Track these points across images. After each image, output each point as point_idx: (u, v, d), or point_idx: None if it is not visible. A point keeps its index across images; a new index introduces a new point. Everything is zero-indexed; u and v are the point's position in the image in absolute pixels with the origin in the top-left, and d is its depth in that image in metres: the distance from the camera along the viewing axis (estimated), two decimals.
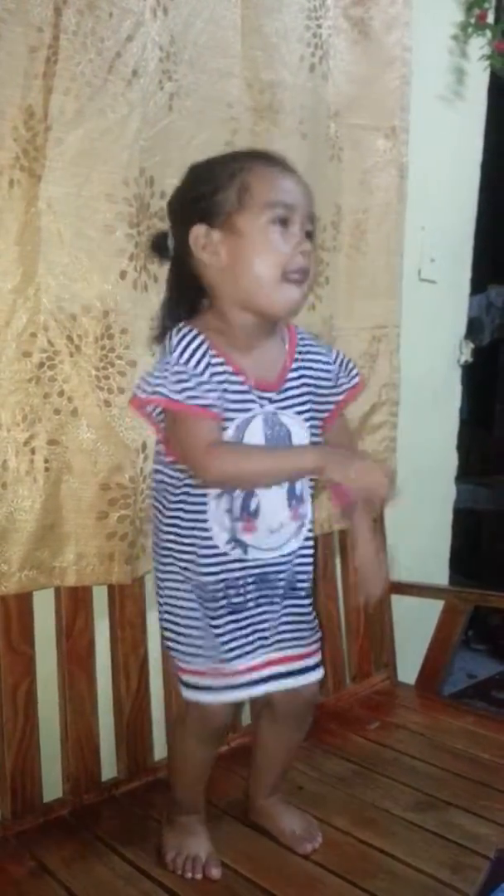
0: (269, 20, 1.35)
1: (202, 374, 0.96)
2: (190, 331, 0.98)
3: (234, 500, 1.02)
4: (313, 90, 1.44)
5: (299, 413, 1.06)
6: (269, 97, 1.37)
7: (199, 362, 0.96)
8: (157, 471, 1.08)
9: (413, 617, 1.79)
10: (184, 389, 0.95)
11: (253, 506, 1.02)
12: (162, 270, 1.25)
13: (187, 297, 1.05)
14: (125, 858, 1.12)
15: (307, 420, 1.07)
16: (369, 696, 1.67)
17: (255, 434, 1.01)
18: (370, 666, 1.71)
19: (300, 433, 1.05)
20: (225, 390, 0.98)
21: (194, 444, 0.96)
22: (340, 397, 1.11)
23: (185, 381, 0.95)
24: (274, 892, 1.06)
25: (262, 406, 1.02)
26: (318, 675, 1.13)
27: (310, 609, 1.13)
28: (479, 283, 2.31)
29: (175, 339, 0.98)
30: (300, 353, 1.08)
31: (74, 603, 1.24)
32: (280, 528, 1.05)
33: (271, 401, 1.03)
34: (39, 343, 1.13)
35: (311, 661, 1.12)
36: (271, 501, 1.03)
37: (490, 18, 1.86)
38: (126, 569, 1.24)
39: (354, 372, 1.13)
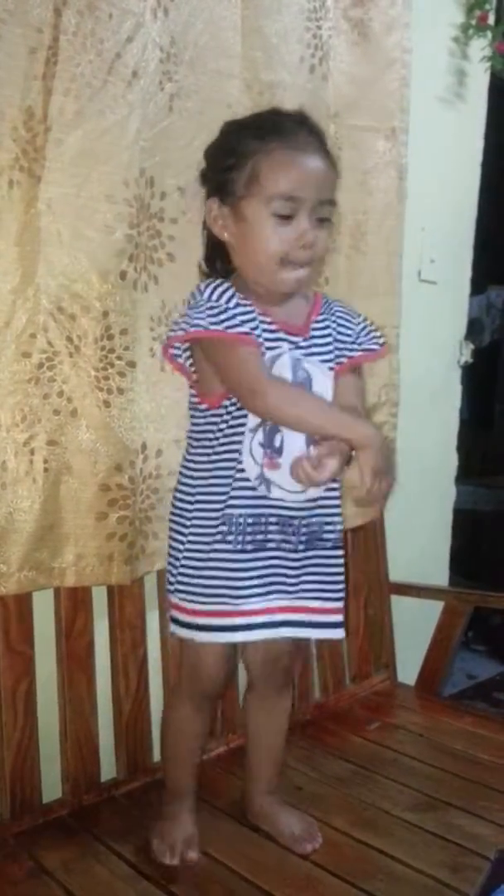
0: (269, 21, 1.35)
1: (235, 308, 1.00)
2: (216, 281, 1.03)
3: (266, 433, 1.03)
4: (313, 91, 1.44)
5: (324, 361, 1.08)
6: (269, 98, 1.37)
7: (229, 300, 1.00)
8: (192, 422, 1.10)
9: (413, 618, 1.79)
10: (223, 320, 0.98)
11: (277, 442, 1.03)
12: (162, 271, 1.26)
13: (216, 256, 1.09)
14: (124, 859, 1.12)
15: (331, 369, 1.08)
16: (369, 697, 1.67)
17: (283, 372, 1.03)
18: (370, 666, 1.71)
19: (323, 381, 1.07)
20: (255, 328, 1.01)
21: (250, 370, 0.98)
22: (356, 354, 1.11)
23: (222, 312, 0.98)
24: (273, 893, 1.05)
25: (289, 346, 1.04)
26: (337, 633, 1.12)
27: (338, 563, 1.12)
28: (479, 284, 2.31)
29: (202, 286, 1.02)
30: (325, 308, 1.11)
31: (74, 603, 1.24)
32: None
33: (298, 346, 1.05)
34: (39, 344, 1.13)
35: (333, 618, 1.11)
36: (294, 440, 1.03)
37: (491, 20, 1.86)
38: (125, 569, 1.24)
39: (378, 338, 1.15)
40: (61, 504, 1.18)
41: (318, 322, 1.09)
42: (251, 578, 1.05)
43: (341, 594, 1.12)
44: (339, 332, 1.11)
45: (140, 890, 1.06)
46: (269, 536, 1.06)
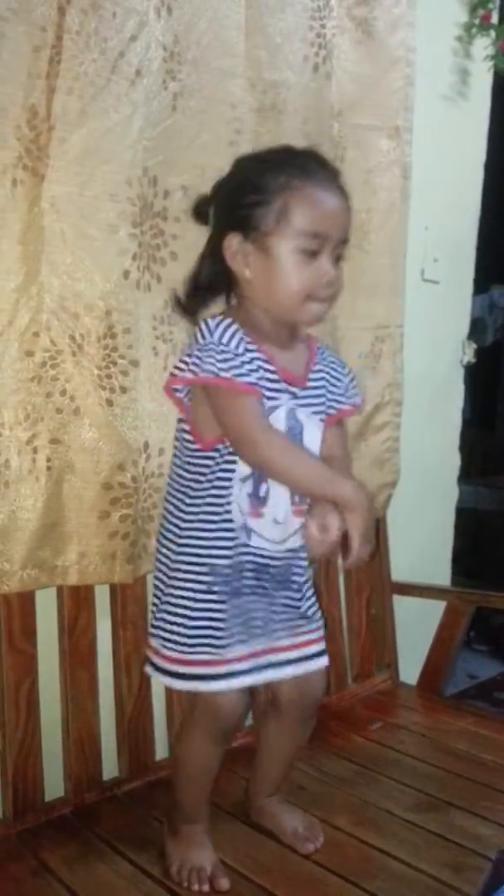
0: (273, 20, 1.35)
1: (243, 354, 0.99)
2: (224, 319, 1.01)
3: (255, 484, 1.03)
4: (317, 90, 1.44)
5: (315, 413, 1.08)
6: (273, 97, 1.37)
7: (238, 344, 0.99)
8: (180, 459, 1.08)
9: (415, 617, 1.79)
10: (231, 367, 0.97)
11: (262, 492, 1.04)
12: (165, 270, 1.26)
13: (213, 282, 1.07)
14: (126, 858, 1.12)
15: (322, 420, 1.09)
16: (371, 697, 1.67)
17: (277, 423, 1.03)
18: (372, 666, 1.71)
19: (313, 432, 1.07)
20: (260, 376, 1.01)
21: (247, 420, 0.99)
22: (346, 406, 1.13)
23: (231, 359, 0.98)
24: (275, 893, 1.05)
25: (287, 396, 1.04)
26: (319, 663, 1.12)
27: (304, 600, 1.13)
28: (481, 284, 2.31)
29: (212, 324, 1.00)
30: (320, 357, 1.12)
31: (76, 602, 1.24)
32: (285, 521, 1.06)
33: (295, 396, 1.05)
34: (42, 342, 1.13)
35: (310, 650, 1.11)
36: (278, 492, 1.04)
37: (494, 19, 1.85)
38: (128, 568, 1.24)
39: (359, 394, 1.16)
40: (64, 502, 1.18)
41: (314, 372, 1.09)
42: (233, 626, 1.05)
43: (316, 625, 1.13)
44: (331, 384, 1.11)
45: (142, 888, 1.06)
46: (244, 582, 1.06)
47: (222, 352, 0.97)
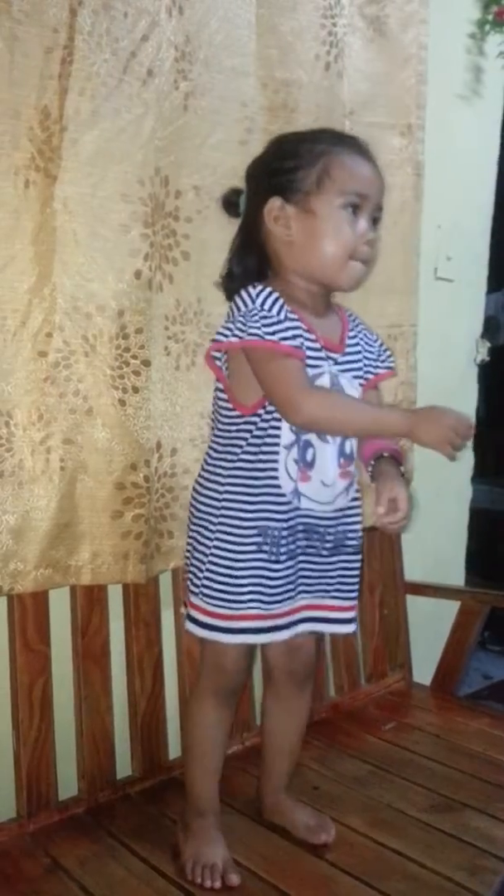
0: (284, 19, 1.35)
1: (285, 321, 1.01)
2: (265, 287, 1.03)
3: (300, 450, 1.05)
4: (329, 89, 1.43)
5: (356, 378, 1.11)
6: (284, 96, 1.37)
7: (280, 310, 1.01)
8: (217, 426, 1.10)
9: (429, 618, 1.78)
10: (276, 332, 0.99)
11: (309, 457, 1.05)
12: (177, 270, 1.26)
13: (250, 260, 1.09)
14: (140, 857, 1.12)
15: (360, 385, 1.11)
16: (384, 697, 1.66)
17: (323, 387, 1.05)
18: (385, 666, 1.71)
19: (354, 396, 1.09)
20: (301, 344, 1.02)
21: (290, 382, 1.00)
22: (381, 371, 1.16)
23: (275, 324, 1.00)
24: (288, 892, 1.05)
25: (329, 363, 1.07)
26: (350, 627, 1.16)
27: (357, 566, 1.15)
28: (495, 282, 2.29)
29: (254, 293, 1.02)
30: (353, 325, 1.15)
31: (90, 602, 1.24)
32: (333, 484, 1.08)
33: (336, 362, 1.08)
34: (55, 343, 1.14)
35: (347, 615, 1.15)
36: (325, 455, 1.06)
37: None
38: (141, 568, 1.24)
39: (391, 355, 1.19)
40: (77, 502, 1.19)
41: (350, 339, 1.12)
42: (283, 586, 1.07)
43: (356, 593, 1.16)
44: (366, 350, 1.15)
45: (155, 887, 1.07)
46: (298, 544, 1.08)
47: (265, 317, 0.99)
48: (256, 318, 0.99)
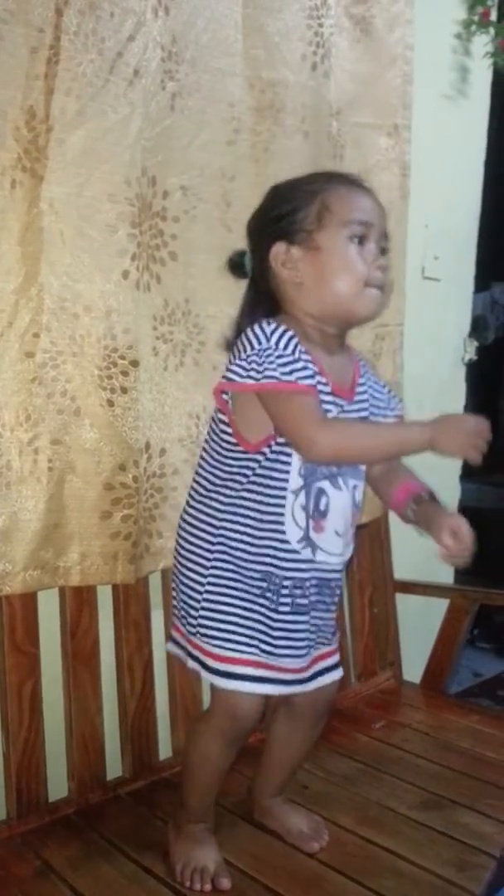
0: (271, 19, 1.35)
1: (300, 359, 0.98)
2: (279, 325, 0.99)
3: (309, 498, 1.02)
4: (315, 89, 1.44)
5: None
6: (271, 96, 1.37)
7: (294, 349, 0.98)
8: (214, 458, 1.06)
9: (418, 616, 1.79)
10: (292, 371, 0.96)
11: (323, 505, 1.03)
12: (165, 270, 1.26)
13: (259, 312, 1.05)
14: (130, 858, 1.12)
15: None
16: (374, 695, 1.67)
17: None
18: (375, 665, 1.71)
19: None
20: (315, 384, 1.00)
21: (306, 418, 0.97)
22: (391, 418, 1.13)
23: (291, 363, 0.96)
24: (279, 891, 1.05)
25: (336, 411, 1.03)
26: (341, 672, 1.15)
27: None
28: (482, 281, 2.30)
29: (268, 330, 0.98)
30: (363, 370, 1.12)
31: (79, 603, 1.24)
32: (345, 533, 1.06)
33: (343, 409, 1.04)
34: (42, 343, 1.13)
35: (337, 658, 1.14)
36: (339, 503, 1.04)
37: (493, 16, 1.85)
38: (130, 568, 1.24)
39: (399, 402, 1.16)
40: (65, 503, 1.18)
41: (360, 385, 1.09)
42: (289, 640, 1.04)
43: (337, 635, 1.16)
44: (374, 396, 1.12)
45: (146, 888, 1.06)
46: (311, 599, 1.05)
47: (280, 356, 0.96)
48: (272, 357, 0.95)
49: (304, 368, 0.97)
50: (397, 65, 1.60)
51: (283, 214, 1.02)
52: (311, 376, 0.98)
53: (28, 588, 1.16)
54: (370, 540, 1.71)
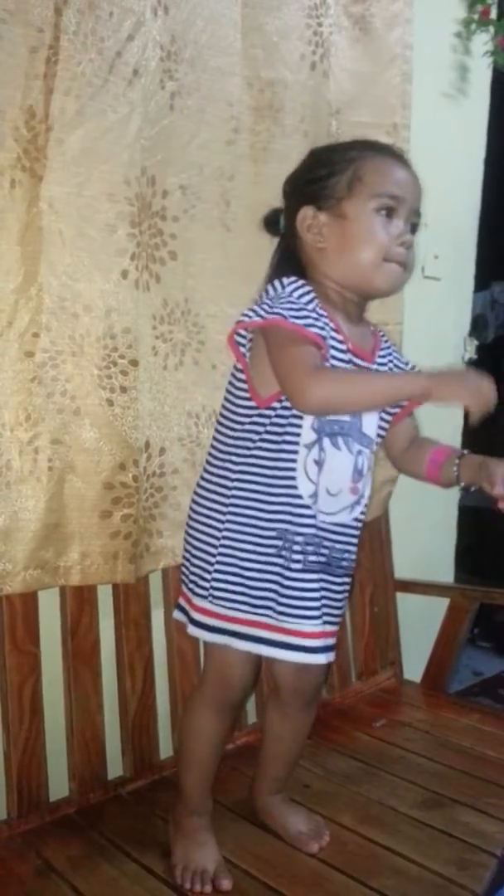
0: (270, 19, 1.35)
1: (313, 312, 0.99)
2: (300, 280, 1.01)
3: (321, 451, 1.01)
4: (314, 88, 1.44)
5: None
6: (270, 96, 1.37)
7: (310, 302, 0.99)
8: (229, 418, 1.05)
9: (419, 615, 1.79)
10: (302, 317, 0.97)
11: (321, 459, 1.02)
12: (164, 269, 1.26)
13: (288, 272, 1.05)
14: (131, 857, 1.12)
15: (390, 414, 1.10)
16: (375, 694, 1.67)
17: None
18: (376, 664, 1.71)
19: (372, 415, 1.07)
20: (328, 343, 1.00)
21: (300, 365, 0.95)
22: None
23: (301, 309, 0.98)
24: (280, 891, 1.05)
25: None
26: (331, 656, 1.09)
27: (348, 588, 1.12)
28: (482, 280, 2.30)
29: (286, 281, 1.00)
30: (385, 345, 1.12)
31: (79, 602, 1.24)
32: (338, 494, 1.04)
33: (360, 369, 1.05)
34: (42, 343, 1.13)
35: (332, 640, 1.09)
36: (335, 462, 1.03)
37: (493, 14, 1.85)
38: (130, 568, 1.24)
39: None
40: (66, 503, 1.18)
41: (381, 357, 1.10)
42: (305, 599, 1.02)
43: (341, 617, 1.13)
44: (397, 367, 1.12)
45: (147, 887, 1.06)
46: (322, 559, 1.04)
47: (292, 302, 0.97)
48: (284, 301, 0.97)
49: (317, 320, 0.98)
50: (396, 64, 1.60)
51: (316, 179, 1.03)
52: (322, 328, 0.98)
53: (28, 587, 1.16)
54: (370, 539, 1.71)
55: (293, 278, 1.01)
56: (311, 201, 1.03)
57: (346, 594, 1.11)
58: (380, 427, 1.10)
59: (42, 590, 1.20)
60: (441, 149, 1.84)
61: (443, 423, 2.06)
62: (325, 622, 1.04)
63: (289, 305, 0.97)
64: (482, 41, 1.86)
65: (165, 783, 1.28)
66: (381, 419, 1.09)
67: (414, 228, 1.03)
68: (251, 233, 1.23)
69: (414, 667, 1.74)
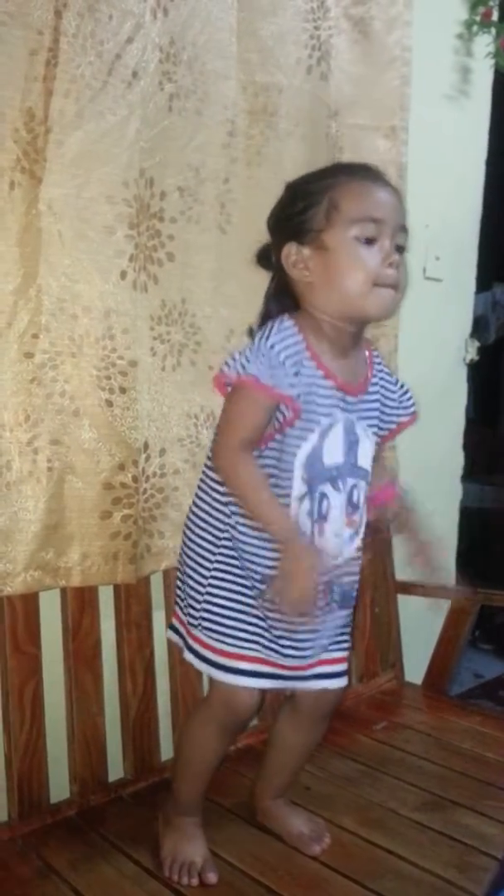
0: (265, 23, 1.35)
1: (294, 366, 0.98)
2: (291, 325, 1.00)
3: (313, 502, 1.02)
4: (311, 92, 1.43)
5: (370, 426, 1.08)
6: (265, 100, 1.37)
7: (290, 357, 0.98)
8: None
9: (419, 617, 1.78)
10: (275, 376, 0.96)
11: (325, 509, 1.03)
12: (162, 271, 1.26)
13: (286, 301, 1.05)
14: (132, 859, 1.12)
15: (374, 434, 1.09)
16: (376, 697, 1.66)
17: (336, 440, 1.03)
18: (377, 666, 1.71)
19: (367, 447, 1.07)
20: (312, 392, 1.00)
21: (236, 432, 0.98)
22: (404, 418, 1.13)
23: (276, 368, 0.97)
24: (280, 893, 1.05)
25: (343, 410, 1.03)
26: (344, 681, 1.14)
27: (351, 615, 1.15)
28: (484, 281, 2.30)
29: (275, 329, 0.99)
30: (377, 368, 1.11)
31: (80, 603, 1.24)
32: (340, 533, 1.06)
33: (352, 406, 1.04)
34: (41, 344, 1.14)
35: (343, 667, 1.13)
36: (337, 504, 1.04)
37: (495, 16, 1.85)
38: (130, 568, 1.24)
39: (413, 400, 1.15)
40: (65, 503, 1.18)
41: (372, 384, 1.08)
42: (291, 640, 1.05)
43: (349, 641, 1.16)
44: (385, 396, 1.11)
45: (148, 889, 1.06)
46: (337, 597, 1.07)
47: (271, 359, 0.96)
48: (263, 357, 0.96)
49: (297, 375, 0.97)
50: (395, 66, 1.60)
51: (295, 213, 1.01)
52: (294, 386, 0.97)
53: (29, 589, 1.16)
54: (372, 541, 1.71)
55: (285, 324, 0.99)
56: (292, 237, 1.01)
57: (348, 613, 1.13)
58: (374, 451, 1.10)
59: (43, 591, 1.20)
60: (443, 150, 1.84)
61: (443, 422, 2.06)
62: (339, 649, 1.11)
63: (267, 363, 0.96)
64: (484, 43, 1.86)
65: (166, 785, 1.27)
66: (375, 444, 1.09)
67: (401, 247, 1.00)
68: (245, 236, 1.23)
69: (415, 669, 1.73)
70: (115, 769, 1.30)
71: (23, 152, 1.09)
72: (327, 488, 1.03)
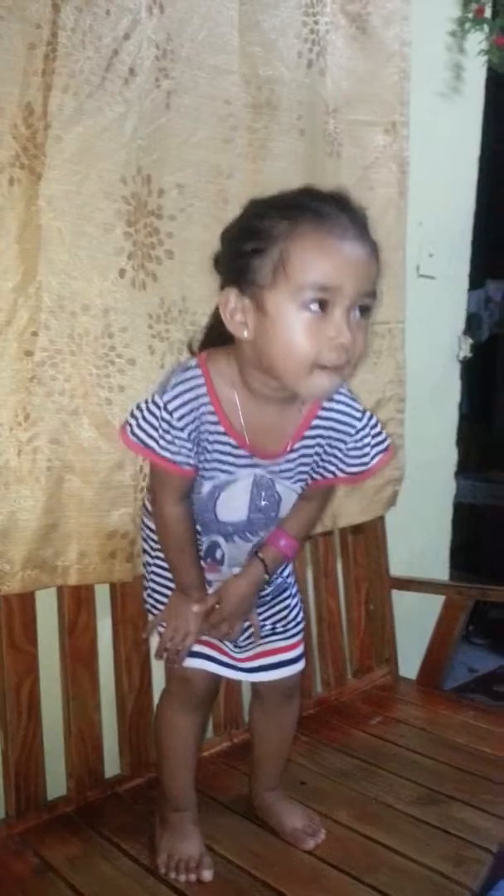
0: (267, 16, 1.35)
1: (184, 429, 0.94)
2: (195, 377, 0.93)
3: (201, 546, 1.08)
4: (311, 86, 1.43)
5: (298, 482, 1.04)
6: (268, 93, 1.36)
7: (185, 415, 0.93)
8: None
9: (414, 612, 1.79)
10: (164, 446, 0.94)
11: (219, 556, 1.09)
12: (161, 269, 1.25)
13: (228, 336, 0.95)
14: (129, 855, 1.12)
15: (301, 489, 1.06)
16: (370, 691, 1.68)
17: (236, 496, 1.01)
18: (371, 661, 1.72)
19: (289, 501, 1.06)
20: (209, 449, 0.97)
21: (163, 489, 1.02)
22: (340, 475, 1.04)
23: (166, 432, 0.94)
24: (277, 888, 1.06)
25: (254, 469, 0.99)
26: (300, 666, 1.18)
27: (297, 603, 1.19)
28: (477, 279, 2.31)
29: (176, 380, 0.93)
30: (318, 422, 1.00)
31: (77, 601, 1.24)
32: (240, 563, 1.10)
33: (268, 465, 1.00)
34: (41, 342, 1.13)
35: (296, 652, 1.17)
36: (234, 552, 1.09)
37: (487, 13, 1.85)
38: (127, 567, 1.24)
39: (370, 457, 1.03)
40: (64, 502, 1.18)
41: (306, 437, 0.99)
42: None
43: (300, 628, 1.18)
44: (327, 450, 1.02)
45: (145, 886, 1.07)
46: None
47: (162, 420, 0.93)
48: (156, 419, 0.93)
49: (179, 440, 0.93)
50: (394, 61, 1.59)
51: (243, 254, 0.86)
52: (189, 457, 0.95)
53: (26, 587, 1.16)
54: (366, 536, 1.72)
55: (189, 374, 0.93)
56: (235, 280, 0.87)
57: (298, 608, 1.18)
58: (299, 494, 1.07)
59: (40, 589, 1.19)
60: (436, 147, 1.84)
61: (437, 419, 2.07)
62: (283, 639, 1.15)
63: (163, 427, 0.93)
64: (477, 40, 1.86)
65: None
66: (301, 489, 1.06)
67: (365, 311, 0.86)
68: None
69: (409, 664, 1.75)
70: (112, 766, 1.30)
71: (22, 148, 1.08)
72: (219, 540, 1.07)
